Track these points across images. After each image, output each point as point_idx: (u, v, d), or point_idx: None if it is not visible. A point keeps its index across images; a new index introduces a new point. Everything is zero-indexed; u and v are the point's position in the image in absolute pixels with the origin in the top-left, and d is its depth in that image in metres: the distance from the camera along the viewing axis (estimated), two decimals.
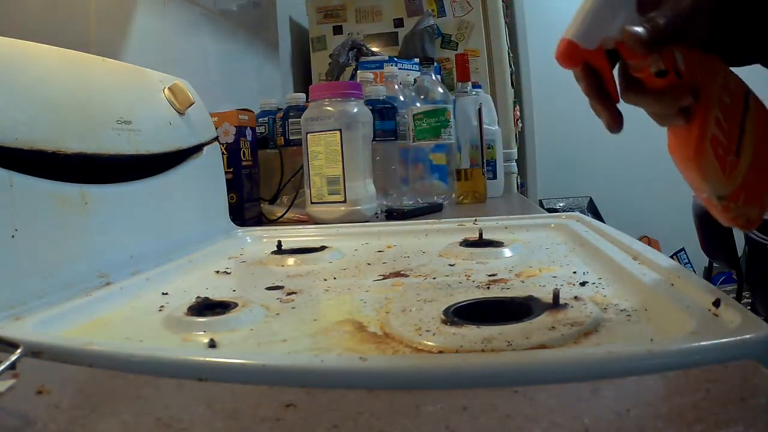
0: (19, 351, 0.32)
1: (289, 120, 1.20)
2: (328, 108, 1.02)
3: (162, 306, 0.51)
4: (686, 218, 2.53)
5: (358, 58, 1.62)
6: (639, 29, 0.37)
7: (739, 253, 2.12)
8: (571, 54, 0.39)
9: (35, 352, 0.35)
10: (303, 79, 1.94)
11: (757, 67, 0.44)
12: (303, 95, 1.23)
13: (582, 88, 0.42)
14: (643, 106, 0.42)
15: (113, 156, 0.63)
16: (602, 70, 0.41)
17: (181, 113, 0.80)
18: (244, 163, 1.05)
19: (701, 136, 0.40)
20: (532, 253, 0.68)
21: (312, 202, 1.05)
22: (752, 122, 0.42)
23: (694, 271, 2.09)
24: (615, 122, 0.42)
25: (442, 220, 0.92)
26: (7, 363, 0.30)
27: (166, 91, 0.79)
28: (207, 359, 0.34)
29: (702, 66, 0.40)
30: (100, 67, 0.68)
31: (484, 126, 1.35)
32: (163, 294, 0.56)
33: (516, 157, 1.88)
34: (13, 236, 0.48)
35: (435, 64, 1.43)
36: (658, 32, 0.37)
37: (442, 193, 1.29)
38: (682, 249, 3.50)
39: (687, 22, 0.38)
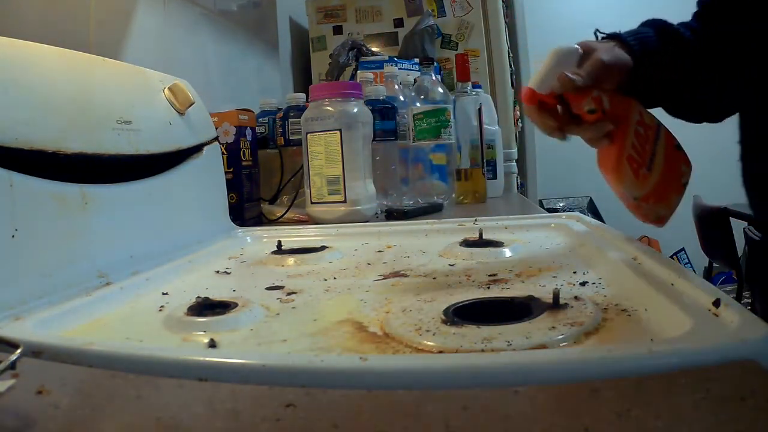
0: (19, 351, 0.32)
1: (289, 120, 1.20)
2: (328, 108, 1.02)
3: (162, 306, 0.51)
4: (686, 218, 2.53)
5: (358, 58, 1.62)
6: (570, 76, 0.55)
7: (739, 253, 2.12)
8: (531, 97, 0.58)
9: (35, 352, 0.35)
10: (303, 79, 1.95)
11: None
12: (303, 95, 1.23)
13: (532, 119, 0.60)
14: (580, 135, 0.59)
15: (113, 156, 0.63)
16: (551, 107, 0.59)
17: (181, 113, 0.80)
18: (244, 163, 1.05)
19: (619, 154, 0.57)
20: (532, 253, 0.68)
21: (312, 202, 1.05)
22: (662, 146, 0.59)
23: (694, 271, 2.09)
24: (562, 137, 0.60)
25: (442, 220, 0.92)
26: (7, 363, 0.30)
27: (166, 91, 0.79)
28: (207, 359, 0.34)
29: (622, 106, 0.57)
30: (100, 67, 0.68)
31: (484, 126, 1.34)
32: (163, 294, 0.56)
33: (516, 157, 1.88)
34: (13, 236, 0.48)
35: (435, 64, 1.43)
36: (581, 78, 0.55)
37: (442, 193, 1.29)
38: (682, 249, 3.50)
39: (601, 74, 0.56)
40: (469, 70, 1.36)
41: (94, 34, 0.89)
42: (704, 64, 0.63)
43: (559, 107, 0.58)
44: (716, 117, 0.70)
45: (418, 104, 1.29)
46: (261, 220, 1.12)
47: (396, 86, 1.32)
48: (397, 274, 0.60)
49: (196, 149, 0.83)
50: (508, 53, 2.03)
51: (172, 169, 0.76)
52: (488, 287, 0.51)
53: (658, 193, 0.59)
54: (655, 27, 0.63)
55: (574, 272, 0.56)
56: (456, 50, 1.79)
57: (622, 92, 0.59)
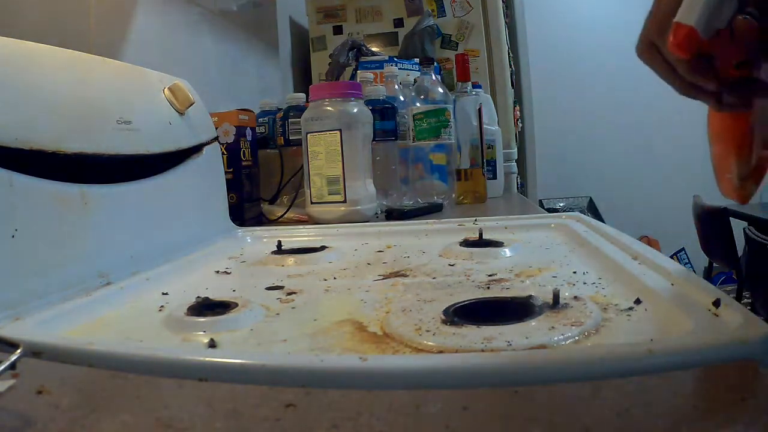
0: (19, 351, 0.32)
1: (289, 120, 1.20)
2: (328, 108, 1.02)
3: (162, 306, 0.51)
4: (686, 218, 2.53)
5: (358, 58, 1.62)
6: (751, 19, 0.37)
7: (739, 253, 2.12)
8: (690, 43, 0.39)
9: (35, 352, 0.35)
10: (303, 79, 1.94)
11: None
12: (303, 95, 1.23)
13: (681, 70, 0.41)
14: (706, 96, 0.43)
15: (113, 156, 0.63)
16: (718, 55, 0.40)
17: (181, 113, 0.80)
18: (244, 163, 1.05)
19: (751, 128, 0.42)
20: (532, 253, 0.68)
21: (312, 202, 1.05)
22: None
23: (694, 271, 2.09)
24: (719, 103, 0.42)
25: (442, 220, 0.92)
26: (7, 363, 0.30)
27: (166, 91, 0.79)
28: (207, 359, 0.34)
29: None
30: (100, 67, 0.68)
31: (484, 126, 1.34)
32: (163, 294, 0.56)
33: (516, 157, 1.88)
34: (13, 236, 0.48)
35: (435, 64, 1.43)
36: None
37: (442, 193, 1.29)
38: (682, 249, 3.50)
39: None
40: (469, 70, 1.36)
41: (94, 34, 0.89)
42: None
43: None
44: None
45: (418, 104, 1.29)
46: (261, 220, 1.12)
47: (396, 86, 1.32)
48: (397, 274, 0.60)
49: (196, 149, 0.83)
50: (508, 53, 2.03)
51: (172, 169, 0.76)
52: (488, 287, 0.51)
53: (760, 169, 0.45)
54: None
55: (574, 272, 0.56)
56: (456, 50, 1.79)
57: None
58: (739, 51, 0.39)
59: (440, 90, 1.31)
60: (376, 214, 1.10)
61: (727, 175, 0.46)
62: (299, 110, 1.15)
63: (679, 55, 0.40)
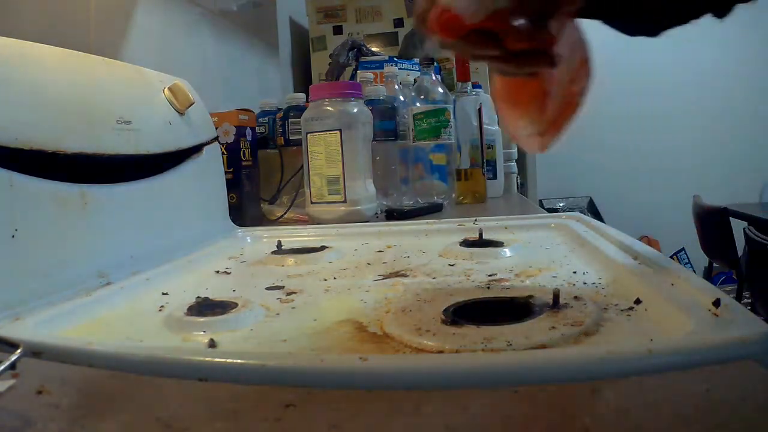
0: (19, 351, 0.32)
1: (289, 120, 1.20)
2: (328, 108, 1.02)
3: (162, 306, 0.51)
4: (686, 218, 2.53)
5: (358, 58, 1.62)
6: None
7: (739, 253, 2.12)
8: (453, 25, 0.39)
9: (35, 352, 0.35)
10: (303, 79, 1.94)
11: None
12: (303, 95, 1.23)
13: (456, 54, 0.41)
14: (507, 70, 0.45)
15: (113, 156, 0.63)
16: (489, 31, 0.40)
17: (181, 113, 0.80)
18: (244, 163, 1.05)
19: (543, 90, 0.45)
20: (532, 253, 0.68)
21: (312, 202, 1.05)
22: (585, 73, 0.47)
23: (694, 271, 2.09)
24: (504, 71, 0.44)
25: (442, 220, 0.92)
26: (7, 363, 0.30)
27: (166, 91, 0.79)
28: (207, 359, 0.34)
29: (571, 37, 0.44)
30: (100, 67, 0.68)
31: (484, 126, 1.34)
32: (163, 294, 0.56)
33: (516, 157, 1.88)
34: (13, 236, 0.48)
35: (435, 64, 1.43)
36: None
37: (442, 193, 1.29)
38: (682, 249, 3.50)
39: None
40: (469, 70, 1.36)
41: (94, 34, 0.89)
42: None
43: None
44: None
45: (418, 104, 1.29)
46: (261, 220, 1.12)
47: (396, 86, 1.31)
48: (397, 274, 0.60)
49: (196, 149, 0.83)
50: None
51: (172, 169, 0.76)
52: (488, 287, 0.51)
53: (560, 123, 0.49)
54: None
55: (574, 272, 0.56)
56: None
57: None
58: (519, 32, 0.40)
59: (440, 90, 1.31)
60: (376, 214, 1.10)
61: (522, 133, 0.49)
62: (299, 110, 1.15)
63: (444, 37, 0.40)
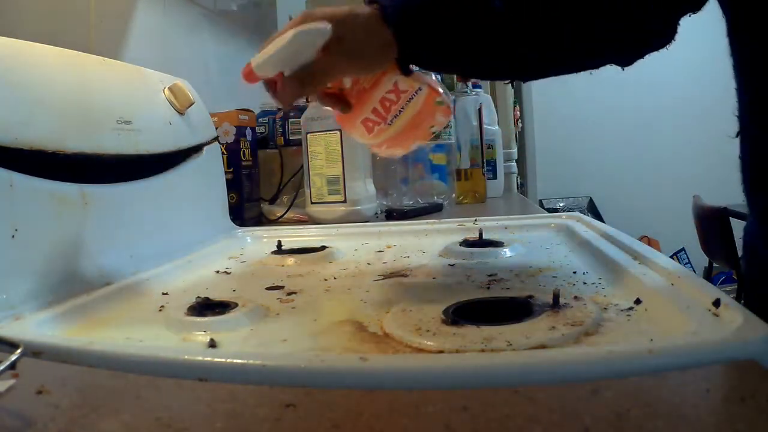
0: (19, 351, 0.32)
1: (289, 120, 1.21)
2: (329, 108, 1.01)
3: (162, 306, 0.51)
4: (686, 218, 2.53)
5: None
6: (280, 98, 0.53)
7: (739, 253, 2.12)
8: (249, 75, 0.54)
9: (35, 352, 0.35)
10: None
11: None
12: None
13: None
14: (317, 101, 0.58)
15: (113, 156, 0.63)
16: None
17: (181, 113, 0.80)
18: (244, 163, 1.05)
19: (354, 118, 0.58)
20: (532, 253, 0.68)
21: (312, 202, 1.05)
22: (416, 104, 0.56)
23: (694, 271, 2.09)
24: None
25: (442, 220, 0.92)
26: (7, 363, 0.30)
27: (166, 91, 0.79)
28: (207, 359, 0.34)
29: (369, 82, 0.56)
30: (100, 67, 0.68)
31: (484, 126, 1.35)
32: (163, 294, 0.56)
33: (516, 157, 1.88)
34: (13, 236, 0.48)
35: None
36: (290, 98, 0.53)
37: (442, 193, 1.29)
38: (682, 249, 3.50)
39: (333, 73, 0.53)
40: None
41: (94, 34, 0.89)
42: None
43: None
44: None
45: None
46: (261, 220, 1.12)
47: None
48: (397, 274, 0.60)
49: (196, 149, 0.83)
50: None
51: (172, 169, 0.76)
52: (488, 287, 0.51)
53: (395, 141, 0.58)
54: None
55: (574, 272, 0.56)
56: None
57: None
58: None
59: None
60: (376, 214, 1.10)
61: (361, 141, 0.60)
62: (299, 110, 1.15)
63: (246, 82, 0.54)
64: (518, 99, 2.47)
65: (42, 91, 0.56)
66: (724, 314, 0.36)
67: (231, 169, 1.02)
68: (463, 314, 0.42)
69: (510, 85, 1.93)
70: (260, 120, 1.24)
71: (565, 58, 0.54)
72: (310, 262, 0.69)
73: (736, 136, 0.55)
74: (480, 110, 1.32)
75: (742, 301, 0.44)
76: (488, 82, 1.80)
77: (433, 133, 0.60)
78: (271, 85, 0.54)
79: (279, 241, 0.76)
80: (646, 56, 0.55)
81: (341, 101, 0.57)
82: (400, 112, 0.57)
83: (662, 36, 0.54)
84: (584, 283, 0.51)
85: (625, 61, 0.55)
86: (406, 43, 0.51)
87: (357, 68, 0.53)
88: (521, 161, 2.63)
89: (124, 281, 0.57)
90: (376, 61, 0.53)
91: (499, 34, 0.52)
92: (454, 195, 1.30)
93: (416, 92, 0.57)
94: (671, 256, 3.35)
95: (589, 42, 0.53)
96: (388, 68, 0.55)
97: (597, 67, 0.56)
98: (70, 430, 0.26)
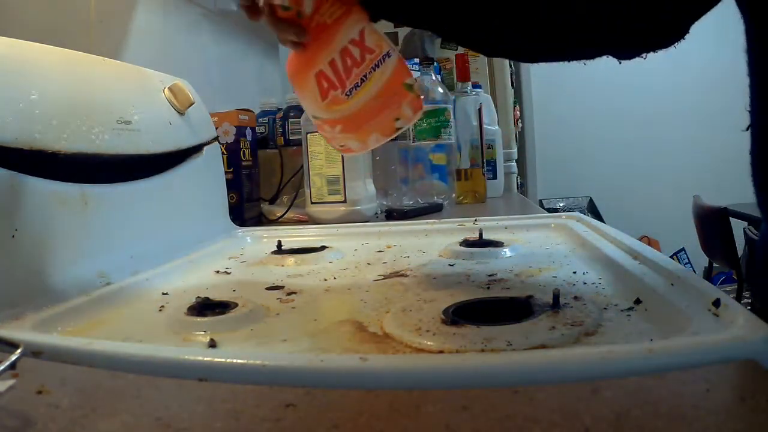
0: (19, 351, 0.32)
1: (289, 120, 1.21)
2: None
3: (162, 306, 0.51)
4: (686, 218, 2.53)
5: None
6: None
7: (739, 253, 2.12)
8: None
9: (35, 352, 0.35)
10: None
11: None
12: None
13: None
14: (271, 29, 0.51)
15: (113, 156, 0.63)
16: None
17: (181, 113, 0.80)
18: (244, 163, 1.05)
19: (309, 65, 0.51)
20: (532, 253, 0.68)
21: (312, 202, 1.05)
22: (381, 78, 0.50)
23: (694, 271, 2.09)
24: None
25: (442, 220, 0.92)
26: (7, 363, 0.30)
27: (166, 91, 0.79)
28: (207, 359, 0.34)
29: (334, 14, 0.49)
30: (100, 67, 0.68)
31: (484, 126, 1.35)
32: (163, 294, 0.56)
33: (516, 157, 1.88)
34: (13, 236, 0.48)
35: (435, 64, 1.43)
36: None
37: (442, 193, 1.29)
38: (682, 249, 3.50)
39: None
40: (469, 70, 1.36)
41: (94, 34, 0.89)
42: None
43: None
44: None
45: None
46: (261, 220, 1.12)
47: None
48: (397, 274, 0.60)
49: (196, 149, 0.83)
50: None
51: (172, 169, 0.76)
52: (488, 287, 0.51)
53: (351, 123, 0.51)
54: None
55: (574, 272, 0.56)
56: (456, 50, 1.78)
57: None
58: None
59: (440, 90, 1.31)
60: (376, 214, 1.10)
61: (312, 115, 0.54)
62: (299, 110, 1.15)
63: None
64: (518, 99, 2.47)
65: (42, 91, 0.56)
66: (724, 314, 0.36)
67: (231, 169, 1.02)
68: (463, 314, 0.42)
69: (510, 84, 1.93)
70: (260, 120, 1.24)
71: (547, 39, 0.50)
72: (310, 262, 0.69)
73: (746, 129, 0.52)
74: (480, 110, 1.32)
75: (743, 302, 0.44)
76: (488, 82, 1.80)
77: (398, 129, 0.52)
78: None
79: (279, 241, 0.76)
80: (647, 56, 0.52)
81: (295, 29, 0.50)
82: (361, 81, 0.50)
83: (671, 32, 0.50)
84: (584, 283, 0.51)
85: (626, 52, 0.51)
86: None
87: None
88: (521, 161, 2.63)
89: (124, 281, 0.57)
90: None
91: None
92: (454, 195, 1.30)
93: (383, 59, 0.50)
94: (671, 256, 3.35)
95: (579, 28, 0.49)
96: (353, 8, 0.49)
97: (590, 56, 0.52)
98: (70, 430, 0.26)
